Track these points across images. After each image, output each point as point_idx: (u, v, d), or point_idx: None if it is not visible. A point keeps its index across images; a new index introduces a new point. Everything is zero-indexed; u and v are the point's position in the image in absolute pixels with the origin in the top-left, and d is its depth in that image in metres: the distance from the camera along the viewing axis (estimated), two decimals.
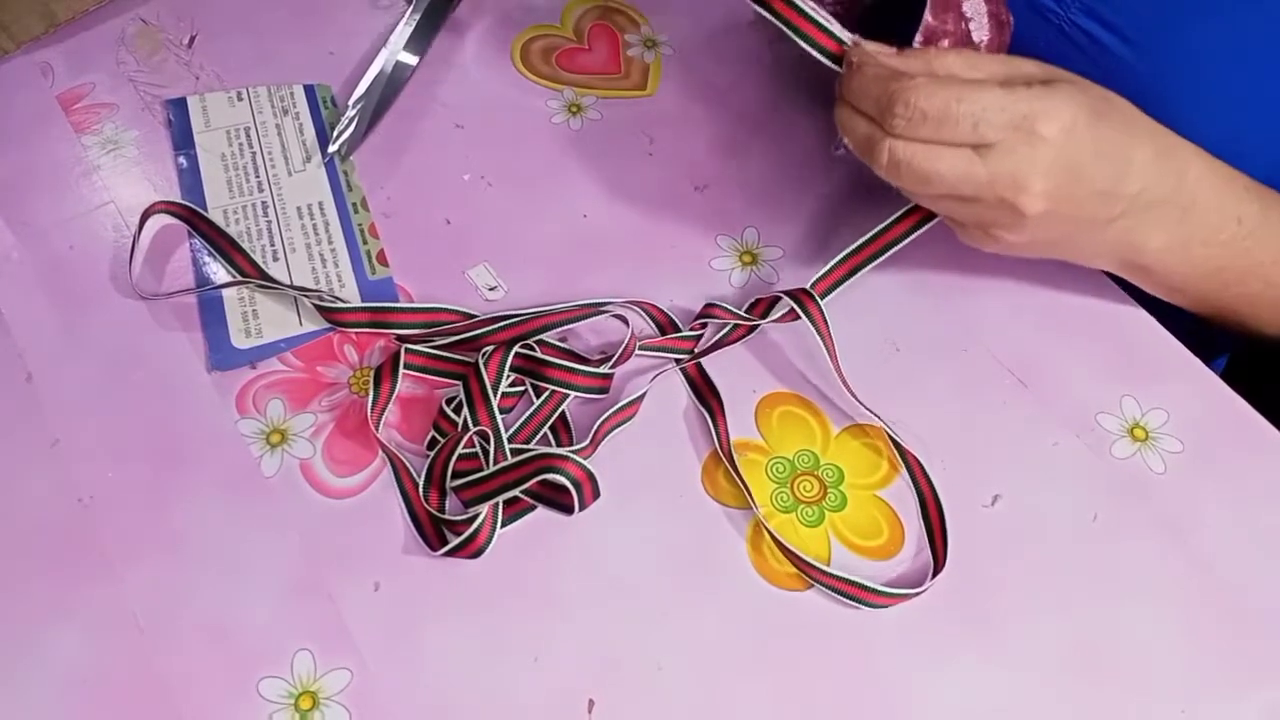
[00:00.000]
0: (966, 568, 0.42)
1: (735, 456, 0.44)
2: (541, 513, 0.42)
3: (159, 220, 0.50)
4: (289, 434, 0.44)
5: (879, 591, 0.41)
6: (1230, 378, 0.47)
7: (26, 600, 0.40)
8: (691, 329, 0.47)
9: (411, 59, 0.55)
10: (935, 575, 0.41)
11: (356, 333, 0.47)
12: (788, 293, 0.46)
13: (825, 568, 0.41)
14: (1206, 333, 0.61)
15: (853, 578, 0.41)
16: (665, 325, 0.47)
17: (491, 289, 0.49)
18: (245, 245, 0.49)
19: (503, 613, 0.40)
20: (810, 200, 0.52)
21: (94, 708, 0.38)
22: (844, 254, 0.46)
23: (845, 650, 0.40)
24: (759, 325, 0.47)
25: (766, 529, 0.42)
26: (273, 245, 0.49)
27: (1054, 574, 0.42)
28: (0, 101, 0.54)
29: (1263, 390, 0.48)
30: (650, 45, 0.59)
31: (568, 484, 0.40)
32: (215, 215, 0.50)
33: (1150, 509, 0.43)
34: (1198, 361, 0.47)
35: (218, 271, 0.48)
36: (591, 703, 0.39)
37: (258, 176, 0.52)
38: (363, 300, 0.48)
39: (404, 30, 0.56)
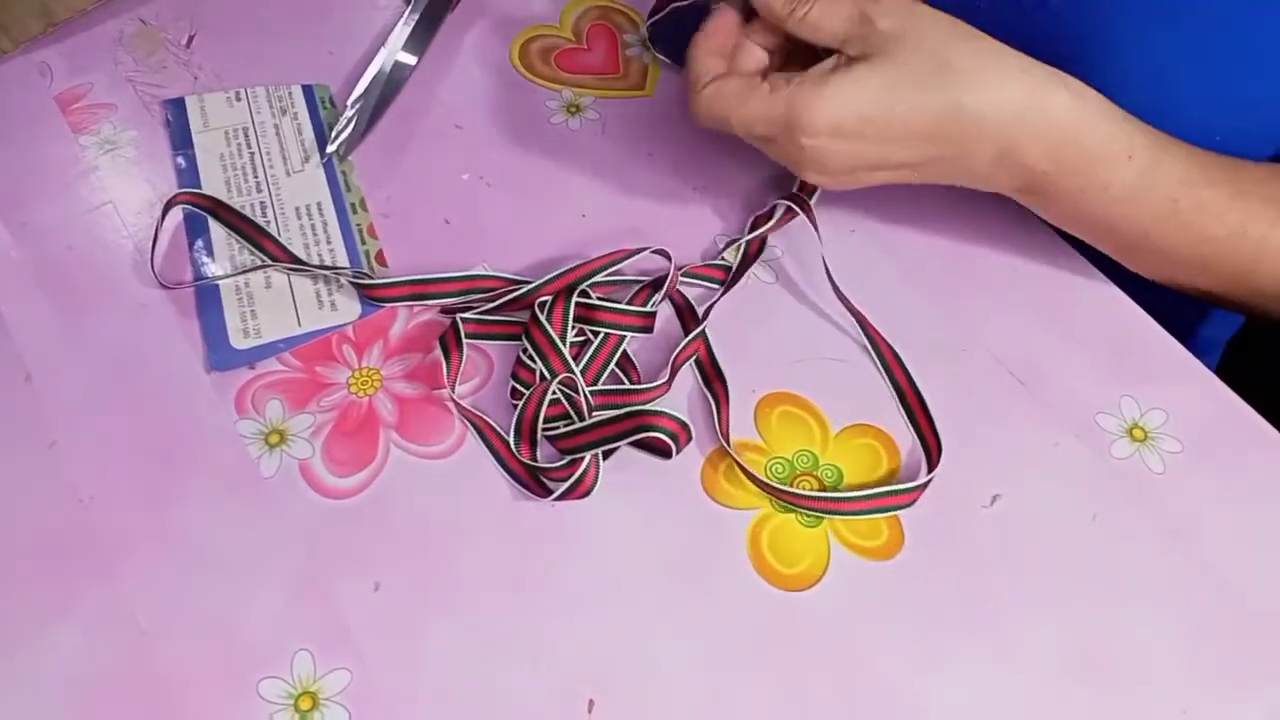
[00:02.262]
0: (966, 568, 0.42)
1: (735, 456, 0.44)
2: (541, 513, 0.43)
3: (153, 223, 0.50)
4: (288, 434, 0.44)
5: (897, 491, 0.43)
6: (1229, 378, 0.47)
7: (26, 600, 0.40)
8: (719, 260, 0.50)
9: (410, 59, 0.55)
10: (933, 466, 0.43)
11: (394, 306, 0.48)
12: (784, 197, 0.50)
13: (843, 494, 0.43)
14: (1201, 330, 0.61)
15: (869, 492, 0.42)
16: (683, 307, 0.48)
17: None
18: (245, 245, 0.49)
19: (503, 613, 0.40)
20: None
21: (94, 708, 0.38)
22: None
23: (845, 651, 0.40)
24: (767, 234, 0.50)
25: (776, 489, 0.42)
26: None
27: (1054, 574, 0.42)
28: None
29: (1262, 390, 0.48)
30: (649, 45, 0.59)
31: (665, 438, 0.42)
32: None
33: (1150, 509, 0.43)
34: (1197, 362, 0.47)
35: (216, 270, 0.48)
36: (591, 703, 0.39)
37: (256, 177, 0.52)
38: (361, 301, 0.48)
39: (403, 30, 0.56)
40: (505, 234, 0.50)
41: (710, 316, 0.47)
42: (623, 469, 0.43)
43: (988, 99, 0.41)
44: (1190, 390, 0.47)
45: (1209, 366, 0.47)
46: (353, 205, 0.51)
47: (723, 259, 0.50)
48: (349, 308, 0.48)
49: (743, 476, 0.43)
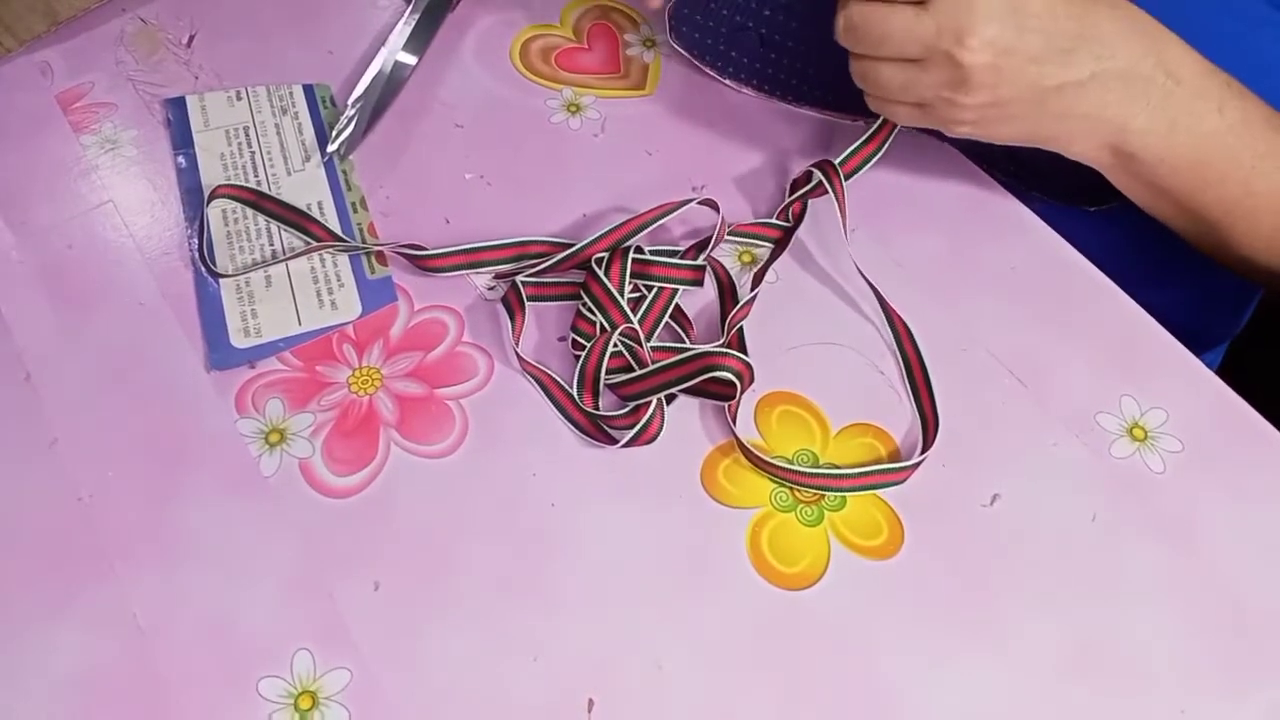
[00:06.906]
0: (966, 568, 0.42)
1: (735, 457, 0.44)
2: (541, 513, 0.43)
3: (153, 222, 0.50)
4: (288, 434, 0.44)
5: (892, 469, 0.43)
6: (1230, 378, 0.47)
7: (26, 600, 0.40)
8: (776, 219, 0.51)
9: (411, 58, 0.55)
10: (928, 442, 0.44)
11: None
12: (816, 165, 0.50)
13: (838, 470, 0.43)
14: (1202, 330, 0.61)
15: (866, 469, 0.43)
16: (725, 283, 0.49)
17: (491, 288, 0.49)
18: (245, 244, 0.49)
19: (503, 613, 0.40)
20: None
21: (94, 708, 0.38)
22: (848, 152, 0.49)
23: (845, 650, 0.40)
24: (807, 198, 0.51)
25: (772, 465, 0.43)
26: (272, 245, 0.49)
27: (1053, 574, 0.42)
28: None
29: (1262, 390, 0.48)
30: (649, 45, 0.59)
31: (731, 378, 0.42)
32: (214, 214, 0.50)
33: (1149, 509, 0.43)
34: (1197, 361, 0.47)
35: (218, 268, 0.48)
36: (591, 703, 0.39)
37: (257, 176, 0.52)
38: (361, 300, 0.48)
39: (403, 30, 0.56)
40: (505, 233, 0.50)
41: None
42: (622, 469, 0.43)
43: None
44: (1190, 390, 0.47)
45: (1210, 366, 0.47)
46: (353, 205, 0.51)
47: (771, 220, 0.51)
48: (349, 306, 0.48)
49: (742, 475, 0.43)
